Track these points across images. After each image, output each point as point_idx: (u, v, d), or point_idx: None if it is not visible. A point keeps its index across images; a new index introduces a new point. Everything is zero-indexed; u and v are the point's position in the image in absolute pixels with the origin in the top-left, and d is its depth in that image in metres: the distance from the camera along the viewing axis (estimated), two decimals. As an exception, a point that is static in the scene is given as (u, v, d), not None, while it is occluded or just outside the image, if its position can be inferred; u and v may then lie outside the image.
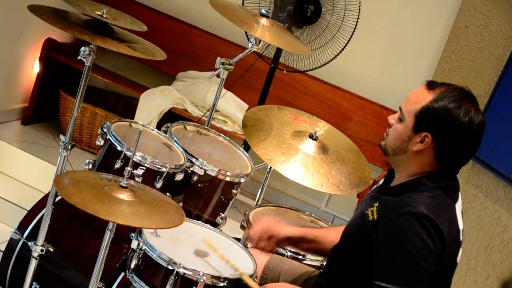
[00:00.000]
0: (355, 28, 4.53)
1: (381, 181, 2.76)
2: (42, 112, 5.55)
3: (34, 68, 5.39)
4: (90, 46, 2.93)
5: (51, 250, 3.10)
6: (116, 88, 5.75)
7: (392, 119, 2.61)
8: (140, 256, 2.73)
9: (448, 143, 2.49)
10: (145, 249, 2.71)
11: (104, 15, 2.96)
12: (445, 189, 2.53)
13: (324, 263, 3.10)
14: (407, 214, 2.40)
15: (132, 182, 2.58)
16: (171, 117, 4.99)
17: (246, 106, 5.30)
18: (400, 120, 2.56)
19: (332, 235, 2.86)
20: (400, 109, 2.58)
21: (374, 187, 2.79)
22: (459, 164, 2.56)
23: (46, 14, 2.94)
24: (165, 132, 3.44)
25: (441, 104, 2.47)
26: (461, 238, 2.55)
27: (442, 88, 2.51)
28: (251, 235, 3.06)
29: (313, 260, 3.14)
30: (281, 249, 3.11)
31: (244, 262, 2.87)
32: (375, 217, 2.50)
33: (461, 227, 2.55)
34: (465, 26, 4.74)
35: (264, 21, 3.56)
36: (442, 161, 2.52)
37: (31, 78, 5.40)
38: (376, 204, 2.54)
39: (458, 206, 2.56)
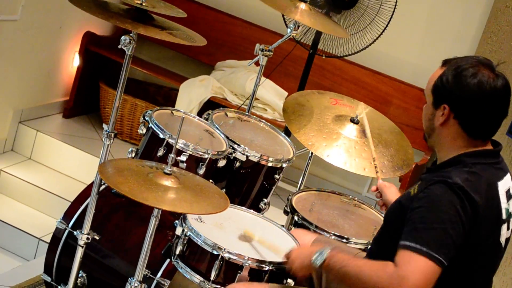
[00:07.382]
0: (393, 11, 4.50)
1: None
2: (83, 105, 5.60)
3: (74, 61, 5.43)
4: (130, 34, 2.93)
5: (97, 238, 3.13)
6: (156, 79, 5.78)
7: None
8: (185, 242, 2.75)
9: (464, 107, 2.45)
10: (189, 235, 2.72)
11: (143, 3, 2.97)
12: (486, 165, 2.50)
13: (369, 247, 3.08)
14: (442, 183, 2.38)
15: (175, 168, 2.60)
16: (210, 106, 4.99)
17: (286, 93, 5.29)
18: (426, 103, 2.57)
19: None
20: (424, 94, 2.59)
21: None
22: (489, 128, 2.51)
23: (87, 5, 2.95)
24: (206, 119, 3.45)
25: (449, 73, 2.46)
26: (503, 217, 2.51)
27: (454, 60, 2.50)
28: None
29: (357, 243, 3.13)
30: (324, 232, 3.11)
31: (288, 246, 2.88)
32: (416, 191, 2.49)
33: (503, 205, 2.51)
34: (505, 6, 4.69)
35: (302, 5, 3.56)
36: (469, 128, 2.47)
37: (71, 71, 5.45)
38: (419, 182, 2.53)
39: (502, 185, 2.52)
